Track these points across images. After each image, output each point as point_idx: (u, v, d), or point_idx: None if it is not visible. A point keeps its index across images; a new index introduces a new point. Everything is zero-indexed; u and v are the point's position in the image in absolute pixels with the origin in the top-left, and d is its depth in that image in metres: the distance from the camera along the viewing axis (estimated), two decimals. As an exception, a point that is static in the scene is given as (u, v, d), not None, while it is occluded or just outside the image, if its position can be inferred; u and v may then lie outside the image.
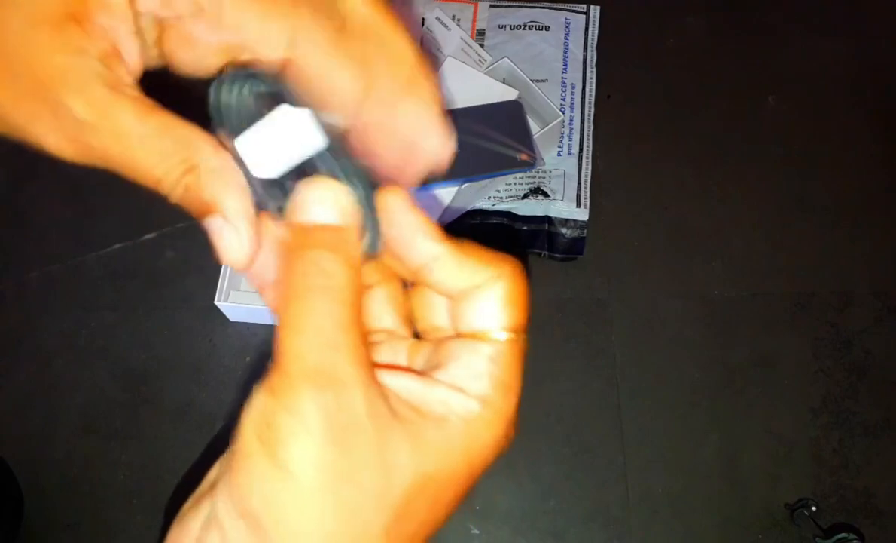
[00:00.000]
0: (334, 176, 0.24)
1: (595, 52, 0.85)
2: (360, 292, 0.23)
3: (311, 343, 0.22)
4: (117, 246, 0.79)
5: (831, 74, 0.85)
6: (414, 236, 0.25)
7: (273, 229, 0.25)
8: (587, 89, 0.83)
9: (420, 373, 0.25)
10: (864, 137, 0.82)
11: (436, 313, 0.27)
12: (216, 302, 0.69)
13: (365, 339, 0.23)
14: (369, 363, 0.23)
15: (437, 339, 0.27)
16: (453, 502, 0.24)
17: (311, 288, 0.22)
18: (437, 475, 0.23)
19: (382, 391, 0.23)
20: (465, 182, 0.74)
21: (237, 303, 0.70)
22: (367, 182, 0.25)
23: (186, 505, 0.25)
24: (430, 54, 0.83)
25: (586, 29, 0.86)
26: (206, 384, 0.72)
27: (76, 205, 0.81)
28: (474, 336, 0.25)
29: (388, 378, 0.24)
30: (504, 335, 0.25)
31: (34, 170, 0.82)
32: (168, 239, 0.78)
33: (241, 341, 0.74)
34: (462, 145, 0.78)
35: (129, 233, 0.79)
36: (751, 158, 0.81)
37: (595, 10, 0.87)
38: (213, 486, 0.24)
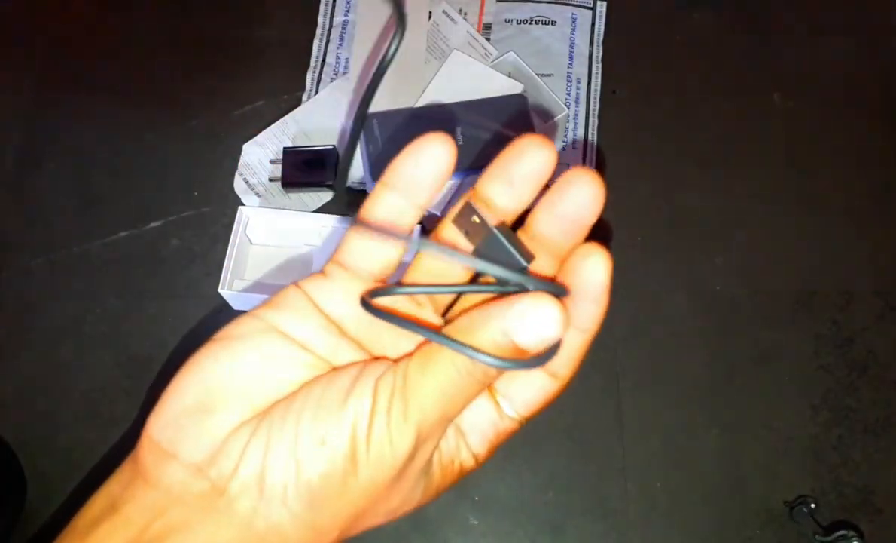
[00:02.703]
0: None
1: (601, 48, 0.85)
2: None
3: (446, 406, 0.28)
4: (123, 234, 0.79)
5: (837, 72, 0.85)
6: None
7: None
8: (593, 84, 0.83)
9: None
10: (869, 135, 0.82)
11: None
12: (220, 290, 0.70)
13: None
14: None
15: None
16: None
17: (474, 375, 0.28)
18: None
19: None
20: (468, 175, 0.74)
21: (240, 291, 0.71)
22: None
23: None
24: (435, 48, 0.84)
25: (593, 24, 0.86)
26: (208, 372, 0.72)
27: (82, 192, 0.81)
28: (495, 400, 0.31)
29: None
30: (515, 416, 0.31)
31: (40, 157, 0.83)
32: (173, 227, 0.79)
33: (245, 329, 0.74)
34: (466, 139, 0.80)
35: (134, 221, 0.79)
36: (755, 154, 0.81)
37: (602, 6, 0.87)
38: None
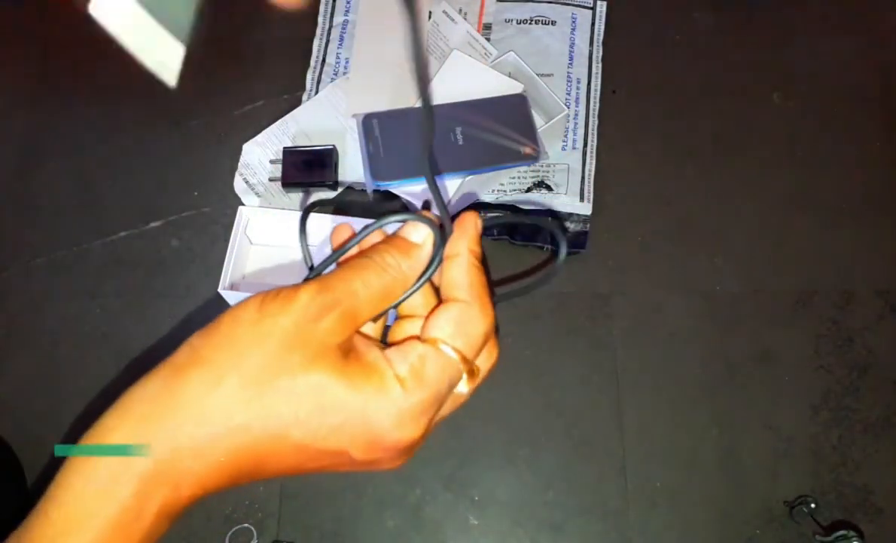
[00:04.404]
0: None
1: (601, 48, 0.85)
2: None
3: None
4: (123, 234, 0.79)
5: (837, 71, 0.85)
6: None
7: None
8: (592, 84, 0.83)
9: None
10: (868, 135, 0.82)
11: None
12: (220, 290, 0.70)
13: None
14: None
15: None
16: None
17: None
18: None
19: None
20: (469, 175, 0.74)
21: (240, 291, 0.71)
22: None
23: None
24: (435, 47, 0.84)
25: (592, 24, 0.86)
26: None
27: (82, 192, 0.81)
28: (422, 338, 0.34)
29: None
30: (447, 349, 0.33)
31: (41, 157, 0.83)
32: (173, 228, 0.79)
33: (245, 329, 0.74)
34: (467, 138, 0.80)
35: (134, 221, 0.79)
36: (755, 154, 0.81)
37: (602, 6, 0.87)
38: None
